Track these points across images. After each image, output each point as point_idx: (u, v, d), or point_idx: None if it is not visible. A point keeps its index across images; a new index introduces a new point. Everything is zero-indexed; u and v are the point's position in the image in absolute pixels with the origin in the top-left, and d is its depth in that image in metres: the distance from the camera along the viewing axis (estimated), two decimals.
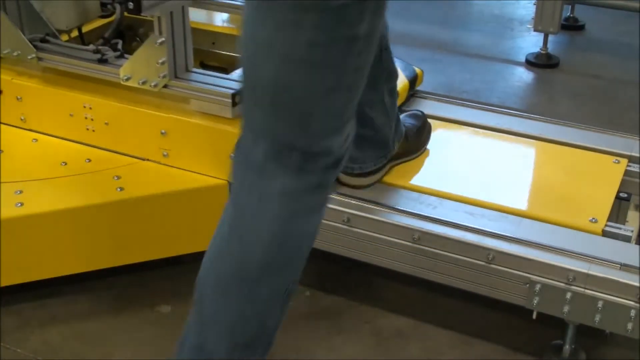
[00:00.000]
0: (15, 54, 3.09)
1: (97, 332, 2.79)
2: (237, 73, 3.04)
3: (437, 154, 3.14)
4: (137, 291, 2.99)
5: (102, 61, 3.00)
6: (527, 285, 2.51)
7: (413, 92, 3.56)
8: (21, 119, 3.18)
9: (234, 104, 2.79)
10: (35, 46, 3.07)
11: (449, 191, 2.86)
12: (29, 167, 2.97)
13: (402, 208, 2.75)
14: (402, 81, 3.40)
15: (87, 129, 3.07)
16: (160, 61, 2.82)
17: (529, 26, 5.66)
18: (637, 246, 2.58)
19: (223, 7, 3.67)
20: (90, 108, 3.03)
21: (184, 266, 3.09)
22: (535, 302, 2.50)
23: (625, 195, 2.92)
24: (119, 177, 2.90)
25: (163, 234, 2.90)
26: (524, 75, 5.08)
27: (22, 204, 2.74)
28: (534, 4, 5.10)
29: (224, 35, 3.68)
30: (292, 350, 2.72)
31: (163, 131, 2.92)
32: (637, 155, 3.08)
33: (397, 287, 3.01)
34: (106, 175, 2.92)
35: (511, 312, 2.81)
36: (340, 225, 2.74)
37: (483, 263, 2.56)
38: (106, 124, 3.03)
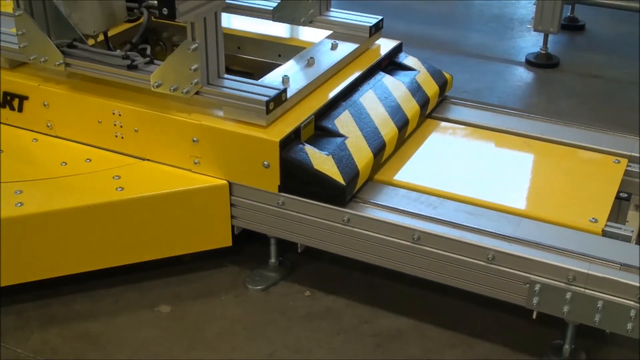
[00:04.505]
0: (42, 60, 3.03)
1: (97, 332, 2.79)
2: (267, 79, 3.01)
3: (438, 155, 3.14)
4: (137, 291, 2.99)
5: (132, 67, 2.94)
6: (527, 285, 2.51)
7: (443, 97, 3.55)
8: (47, 126, 3.14)
9: (268, 111, 2.76)
10: (62, 52, 3.02)
11: (449, 191, 2.86)
12: (28, 167, 2.97)
13: (402, 208, 2.75)
14: (432, 87, 3.39)
15: (116, 136, 3.02)
16: (193, 68, 2.76)
17: (529, 26, 5.66)
18: (637, 246, 2.58)
19: (249, 12, 3.65)
20: (120, 115, 2.98)
21: (184, 266, 3.10)
22: (535, 302, 2.50)
23: (625, 195, 2.92)
24: (118, 177, 2.91)
25: (164, 233, 2.90)
26: (524, 75, 5.08)
27: (22, 204, 2.74)
28: (534, 4, 5.10)
29: (250, 39, 3.65)
30: (292, 350, 2.72)
31: (195, 139, 2.87)
32: (637, 155, 3.08)
33: (397, 287, 3.01)
34: (106, 175, 2.92)
35: (511, 312, 2.81)
36: (340, 225, 2.74)
37: (483, 263, 2.56)
38: (136, 130, 2.99)
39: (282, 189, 2.79)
